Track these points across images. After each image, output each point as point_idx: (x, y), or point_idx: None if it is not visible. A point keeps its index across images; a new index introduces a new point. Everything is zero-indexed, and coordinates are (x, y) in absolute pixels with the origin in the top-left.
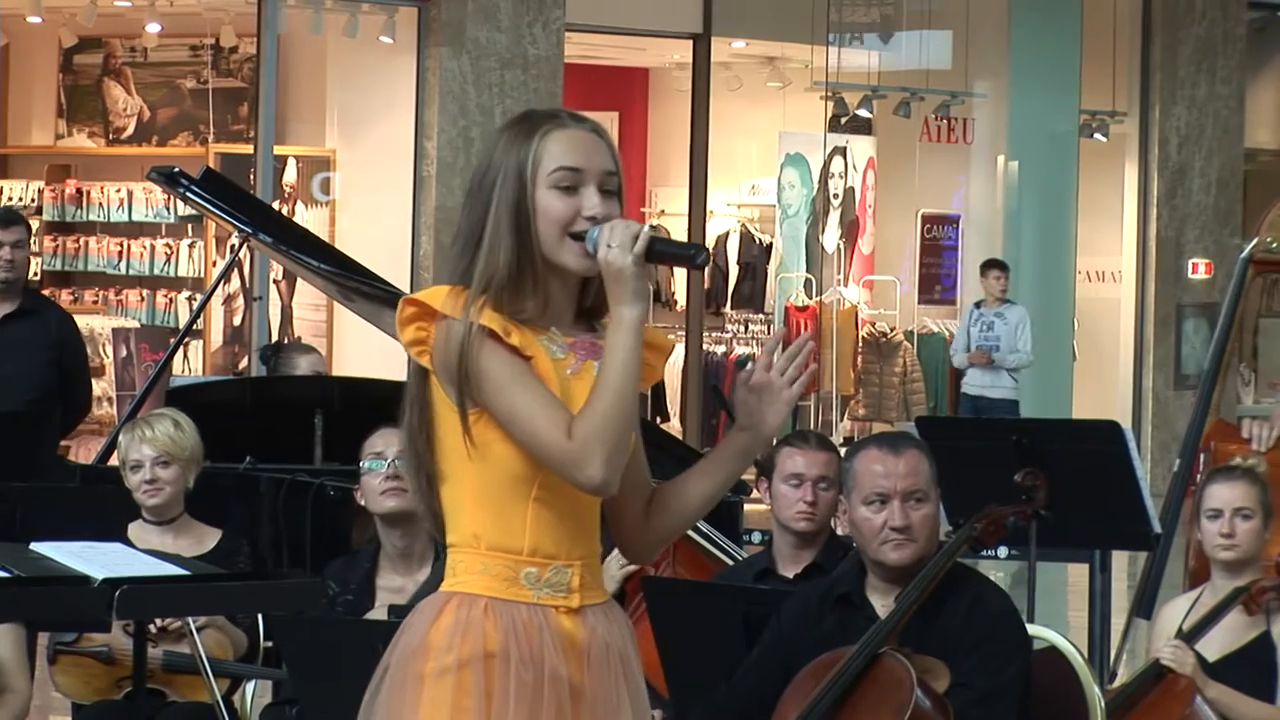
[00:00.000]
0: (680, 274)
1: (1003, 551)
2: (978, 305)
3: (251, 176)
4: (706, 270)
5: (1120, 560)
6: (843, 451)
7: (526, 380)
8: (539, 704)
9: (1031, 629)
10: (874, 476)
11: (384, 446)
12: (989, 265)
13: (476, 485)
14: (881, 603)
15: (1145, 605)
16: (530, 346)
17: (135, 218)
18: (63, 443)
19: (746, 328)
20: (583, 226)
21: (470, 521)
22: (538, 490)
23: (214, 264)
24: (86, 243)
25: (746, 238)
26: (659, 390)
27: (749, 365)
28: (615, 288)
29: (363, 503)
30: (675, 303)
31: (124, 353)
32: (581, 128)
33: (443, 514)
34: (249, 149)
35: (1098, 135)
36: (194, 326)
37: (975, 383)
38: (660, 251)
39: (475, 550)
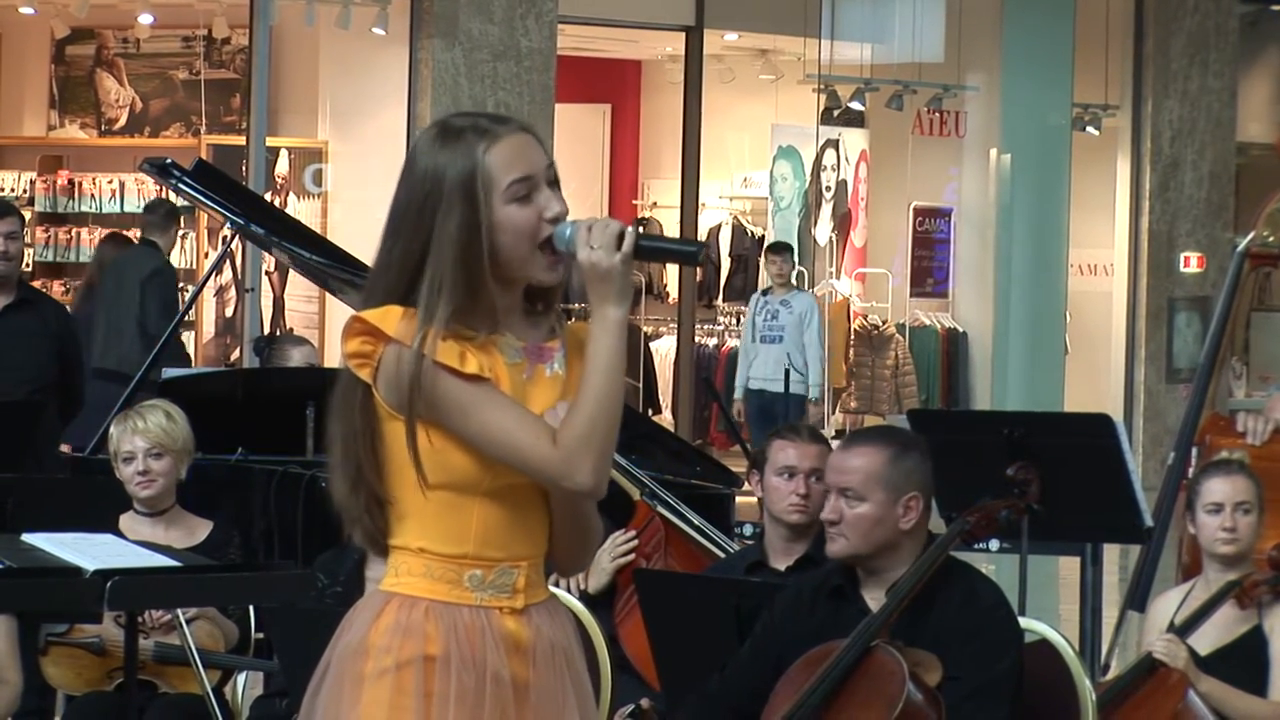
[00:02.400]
0: (672, 266)
1: (994, 545)
2: (765, 292)
3: (243, 168)
4: None
5: (1111, 553)
6: (835, 445)
7: (493, 399)
8: (480, 707)
9: (1023, 622)
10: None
11: None
12: (770, 249)
13: (420, 490)
14: (873, 595)
15: (1139, 598)
16: (488, 359)
17: (127, 209)
18: None
19: (738, 320)
20: (548, 232)
21: (415, 524)
22: (484, 494)
23: (206, 255)
24: (78, 234)
25: (739, 230)
26: (650, 383)
27: None
28: (601, 287)
29: None
30: (667, 295)
31: None
32: (511, 130)
33: (383, 518)
34: (241, 140)
35: (1090, 129)
36: (186, 318)
37: (759, 375)
38: (649, 248)
39: (419, 553)
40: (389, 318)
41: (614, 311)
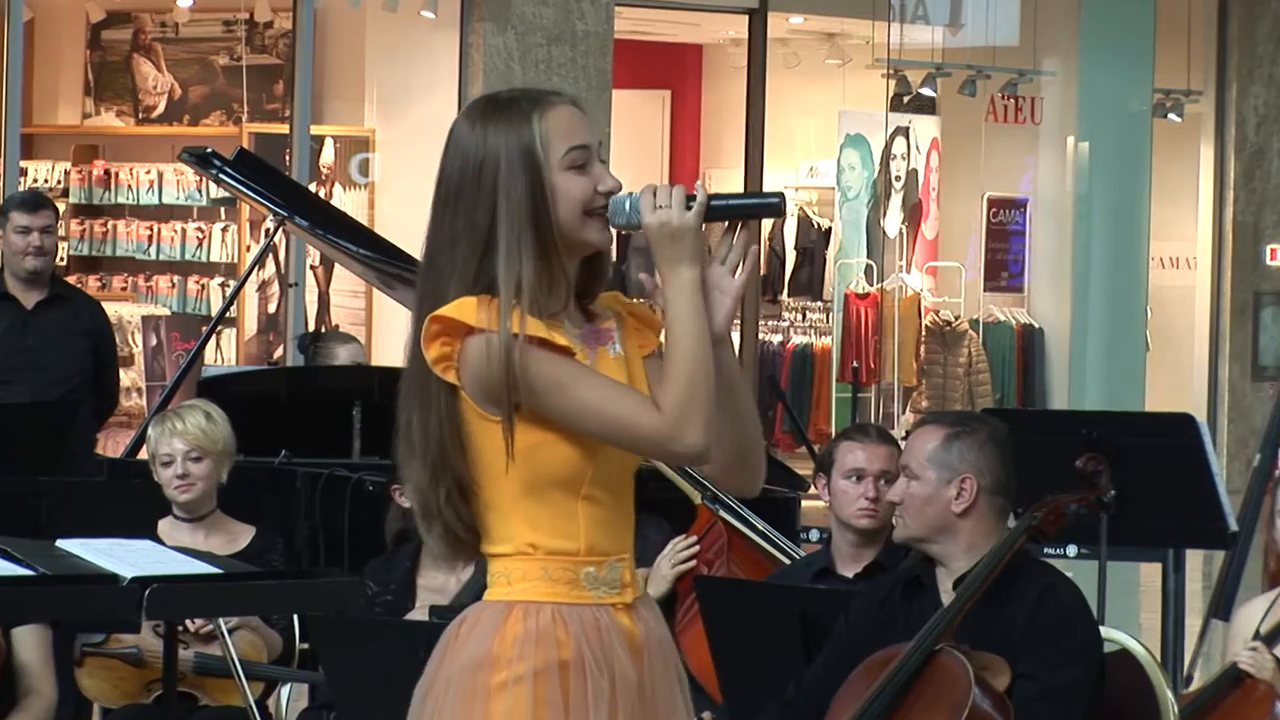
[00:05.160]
0: None
1: (1072, 550)
2: None
3: (287, 157)
4: (761, 256)
5: (1194, 559)
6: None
7: (588, 375)
8: (615, 709)
9: (1102, 631)
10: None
11: None
12: None
13: (523, 492)
14: (945, 588)
15: (1223, 606)
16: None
17: (166, 200)
18: None
19: (804, 316)
20: (600, 203)
21: (522, 528)
22: (587, 488)
23: (248, 249)
24: (115, 226)
25: (804, 222)
26: None
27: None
28: (672, 249)
29: (403, 501)
30: None
31: (154, 341)
32: (565, 103)
33: (474, 524)
34: (284, 129)
35: (1172, 115)
36: (227, 314)
37: None
38: (725, 207)
39: (532, 556)
40: (465, 308)
41: (688, 272)
